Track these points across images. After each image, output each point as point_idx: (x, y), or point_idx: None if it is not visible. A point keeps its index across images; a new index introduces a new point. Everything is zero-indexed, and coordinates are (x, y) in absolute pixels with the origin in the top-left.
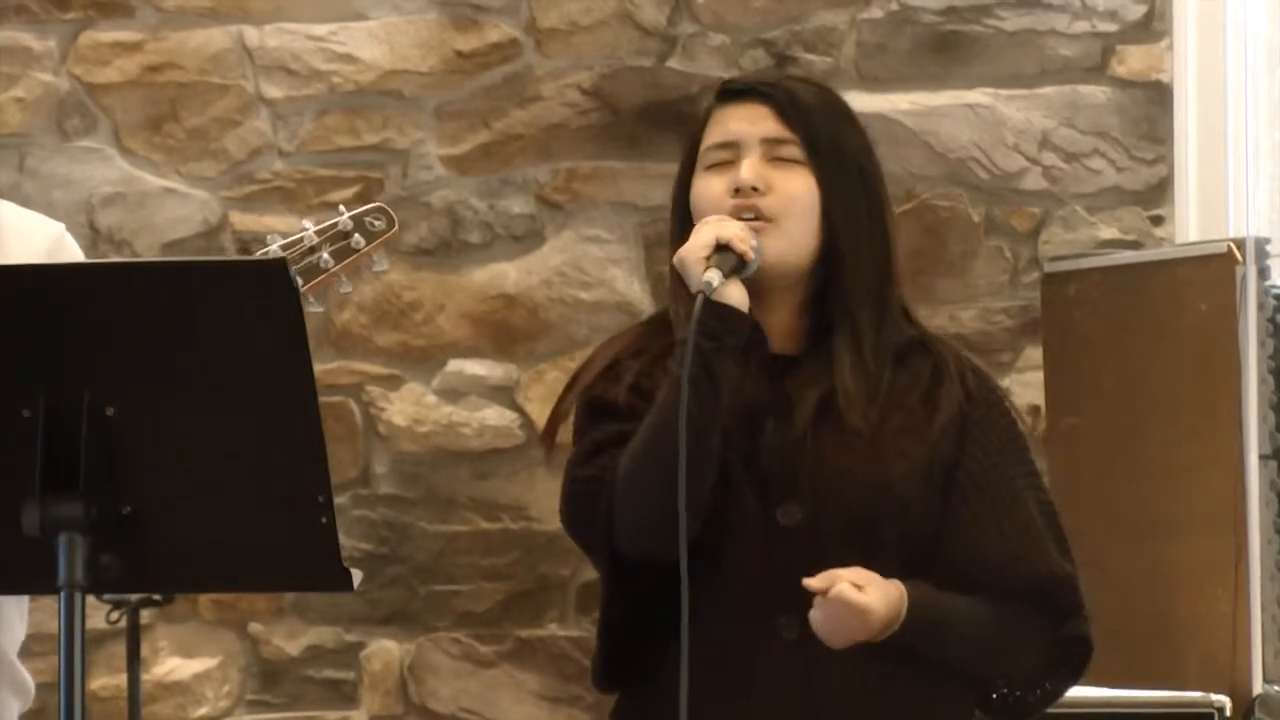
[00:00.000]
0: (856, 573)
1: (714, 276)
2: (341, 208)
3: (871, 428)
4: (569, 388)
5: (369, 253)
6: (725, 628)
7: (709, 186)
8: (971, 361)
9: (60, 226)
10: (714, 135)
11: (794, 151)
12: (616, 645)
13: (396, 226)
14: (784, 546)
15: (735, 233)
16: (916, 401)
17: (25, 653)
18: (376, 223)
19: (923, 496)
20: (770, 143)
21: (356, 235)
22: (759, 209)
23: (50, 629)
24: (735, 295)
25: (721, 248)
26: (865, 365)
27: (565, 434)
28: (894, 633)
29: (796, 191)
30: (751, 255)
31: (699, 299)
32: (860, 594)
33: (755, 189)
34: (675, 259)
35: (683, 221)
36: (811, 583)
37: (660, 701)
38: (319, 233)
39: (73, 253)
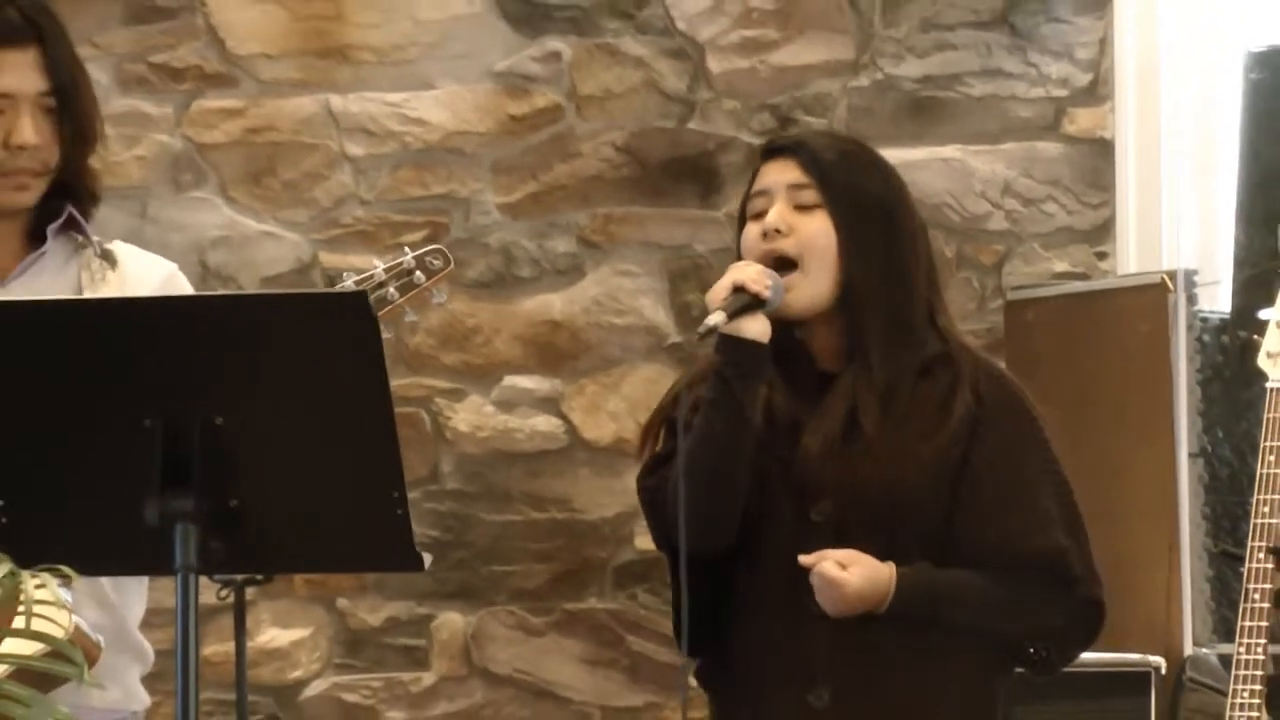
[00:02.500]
0: (845, 554)
1: (718, 317)
2: (406, 249)
3: (889, 435)
4: (659, 409)
5: (429, 287)
6: (767, 608)
7: (748, 233)
8: (991, 368)
9: (173, 266)
10: (754, 187)
11: (812, 196)
12: (687, 617)
13: (452, 265)
14: (816, 539)
15: (750, 276)
16: (934, 409)
17: (148, 624)
18: (435, 262)
19: (934, 492)
20: (793, 189)
21: (418, 272)
22: (783, 250)
23: (168, 605)
24: (754, 329)
25: (738, 289)
26: (876, 380)
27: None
28: (889, 605)
29: (815, 232)
30: (767, 294)
31: (716, 336)
32: (838, 571)
33: (779, 230)
34: (707, 299)
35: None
36: (804, 559)
37: (725, 664)
38: (386, 270)
39: (183, 288)
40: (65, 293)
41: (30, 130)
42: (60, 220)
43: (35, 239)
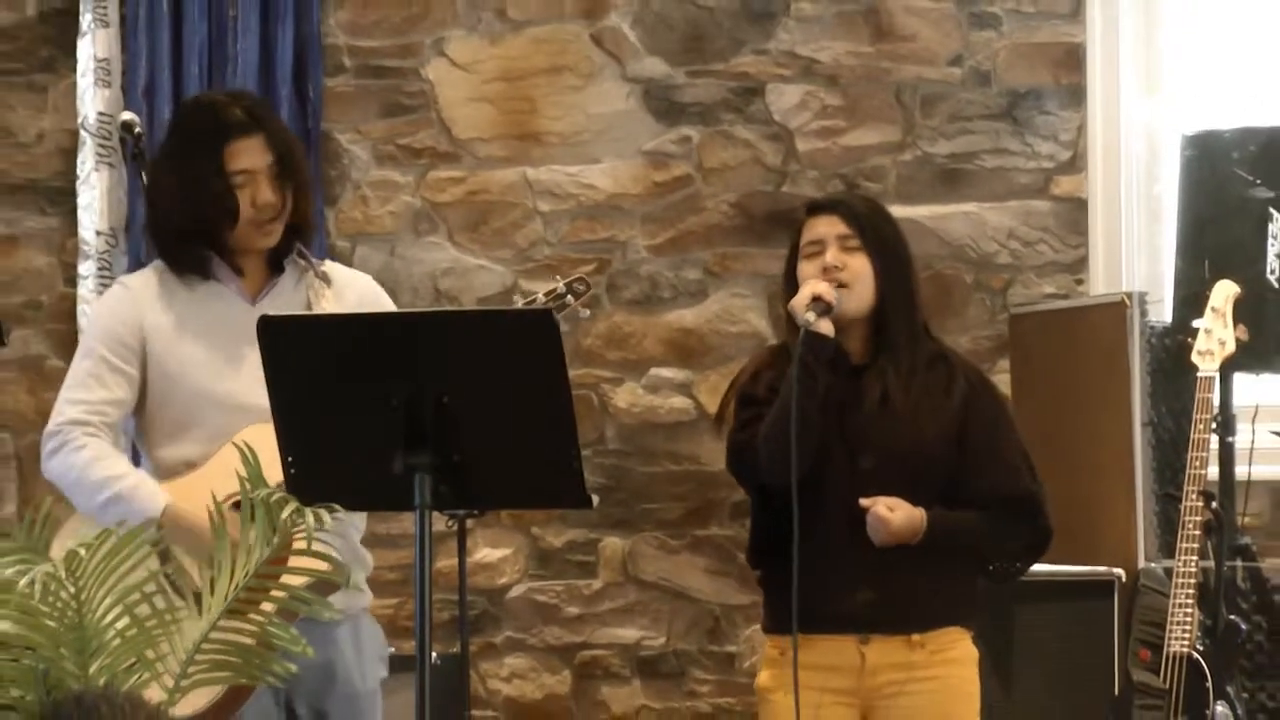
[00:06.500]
0: (892, 501)
1: (811, 316)
2: (557, 277)
3: (912, 408)
4: (731, 387)
5: (576, 307)
6: (825, 535)
7: (807, 269)
8: (971, 364)
9: (368, 276)
10: (807, 235)
11: (856, 243)
12: (760, 540)
13: (593, 289)
14: (863, 482)
15: (825, 289)
16: (939, 392)
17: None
18: (580, 287)
19: (946, 450)
20: (842, 238)
21: (568, 296)
22: (841, 280)
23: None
24: (825, 327)
25: (816, 299)
26: (903, 371)
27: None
28: (920, 539)
29: (861, 268)
30: (834, 303)
31: (802, 331)
32: (887, 512)
33: (837, 268)
34: (789, 307)
35: (790, 286)
36: (863, 501)
37: (786, 576)
38: (545, 295)
39: (379, 291)
40: (298, 307)
41: (269, 192)
42: (293, 252)
43: (272, 267)
